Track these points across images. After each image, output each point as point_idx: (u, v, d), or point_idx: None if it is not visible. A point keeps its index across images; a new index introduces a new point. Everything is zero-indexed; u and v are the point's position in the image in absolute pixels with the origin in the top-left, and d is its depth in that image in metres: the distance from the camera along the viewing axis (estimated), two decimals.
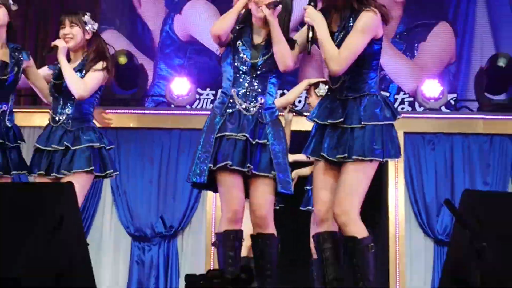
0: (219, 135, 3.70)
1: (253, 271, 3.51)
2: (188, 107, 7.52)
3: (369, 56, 3.63)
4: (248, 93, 3.79)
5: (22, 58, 4.32)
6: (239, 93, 3.78)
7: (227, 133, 3.69)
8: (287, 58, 3.71)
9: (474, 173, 7.15)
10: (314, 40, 3.62)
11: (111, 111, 7.32)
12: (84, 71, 4.23)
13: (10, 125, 4.26)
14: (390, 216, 7.45)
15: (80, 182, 4.01)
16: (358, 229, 3.47)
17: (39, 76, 4.43)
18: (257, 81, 3.80)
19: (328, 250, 3.58)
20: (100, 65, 4.28)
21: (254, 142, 3.69)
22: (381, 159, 3.54)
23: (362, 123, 3.49)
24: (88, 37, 4.36)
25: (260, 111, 3.78)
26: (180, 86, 7.37)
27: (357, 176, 3.50)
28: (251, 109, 3.76)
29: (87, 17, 4.39)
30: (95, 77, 4.26)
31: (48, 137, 4.20)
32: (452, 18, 8.74)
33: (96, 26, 4.45)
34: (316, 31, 3.57)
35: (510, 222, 2.22)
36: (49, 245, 2.27)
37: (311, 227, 4.96)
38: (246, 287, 1.62)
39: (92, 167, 4.12)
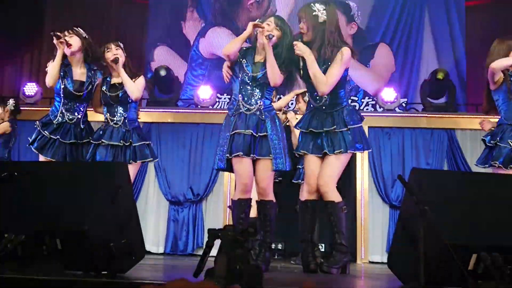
0: (232, 132, 3.77)
1: (258, 227, 3.57)
2: (210, 107, 7.54)
3: (342, 80, 3.81)
4: (250, 98, 3.84)
5: (96, 77, 4.41)
6: (244, 98, 3.84)
7: (237, 130, 3.76)
8: (276, 78, 3.76)
9: (419, 156, 7.18)
10: (304, 67, 3.78)
11: (154, 110, 7.40)
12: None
13: (82, 127, 4.36)
14: (358, 187, 7.46)
15: (137, 167, 4.36)
16: (335, 196, 3.74)
17: (99, 92, 4.45)
18: (257, 89, 3.84)
19: (309, 215, 3.87)
20: (141, 74, 4.48)
21: (257, 135, 3.75)
22: (362, 152, 4.01)
23: (348, 127, 3.72)
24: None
25: (260, 111, 3.82)
26: (205, 92, 7.38)
27: (339, 162, 3.77)
28: (252, 110, 3.81)
29: (121, 44, 4.47)
30: (141, 83, 4.41)
31: (111, 135, 4.27)
32: (389, 41, 9.04)
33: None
34: (306, 61, 3.71)
35: (443, 189, 2.24)
36: (110, 207, 2.30)
37: (300, 194, 4.99)
38: (252, 238, 1.63)
39: (151, 158, 4.34)
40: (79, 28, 4.46)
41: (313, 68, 3.69)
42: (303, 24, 3.81)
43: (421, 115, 7.38)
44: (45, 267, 2.07)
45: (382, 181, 7.47)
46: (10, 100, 6.90)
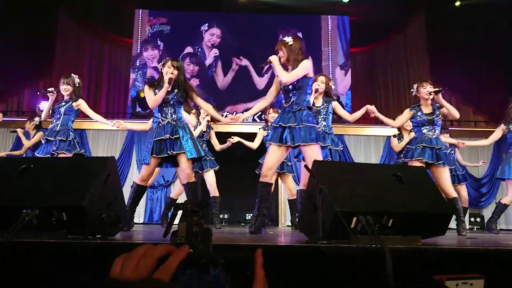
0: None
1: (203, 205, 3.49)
2: None
3: (304, 85, 3.54)
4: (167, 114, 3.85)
5: None
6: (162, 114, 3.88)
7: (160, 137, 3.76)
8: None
9: None
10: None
11: (137, 121, 7.18)
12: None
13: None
14: None
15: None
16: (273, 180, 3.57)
17: None
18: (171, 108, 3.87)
19: (265, 193, 3.56)
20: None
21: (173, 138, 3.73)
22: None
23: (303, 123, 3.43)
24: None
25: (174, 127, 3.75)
26: None
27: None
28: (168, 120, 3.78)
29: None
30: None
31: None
32: None
33: None
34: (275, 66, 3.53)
35: (334, 174, 2.29)
36: (103, 188, 2.23)
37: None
38: (204, 209, 1.59)
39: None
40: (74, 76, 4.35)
41: (278, 67, 3.51)
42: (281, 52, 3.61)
43: None
44: (54, 234, 2.00)
45: (296, 170, 7.58)
46: (36, 118, 6.75)
